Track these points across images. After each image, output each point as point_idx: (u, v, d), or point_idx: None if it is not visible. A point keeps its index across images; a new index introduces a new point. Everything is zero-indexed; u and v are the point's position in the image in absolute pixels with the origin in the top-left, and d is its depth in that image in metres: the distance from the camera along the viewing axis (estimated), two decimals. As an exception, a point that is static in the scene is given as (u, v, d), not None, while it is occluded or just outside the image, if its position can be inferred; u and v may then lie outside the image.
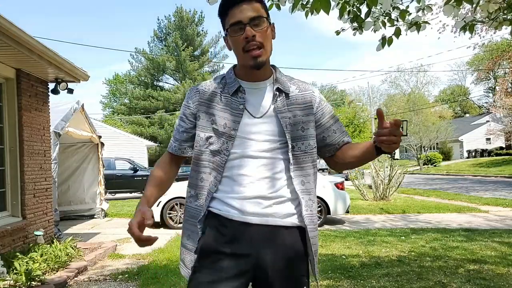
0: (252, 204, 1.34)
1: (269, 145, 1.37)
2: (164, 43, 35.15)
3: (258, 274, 1.35)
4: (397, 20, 2.99)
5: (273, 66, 1.47)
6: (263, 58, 1.35)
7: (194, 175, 1.44)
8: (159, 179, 1.46)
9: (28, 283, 3.95)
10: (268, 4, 2.98)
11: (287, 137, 1.37)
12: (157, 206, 7.93)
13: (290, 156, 1.38)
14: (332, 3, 2.68)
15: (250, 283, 1.39)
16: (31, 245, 5.05)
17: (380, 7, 2.91)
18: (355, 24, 3.02)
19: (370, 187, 12.40)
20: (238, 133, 1.37)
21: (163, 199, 7.93)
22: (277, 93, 1.41)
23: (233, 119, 1.37)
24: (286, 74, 1.51)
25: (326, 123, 1.48)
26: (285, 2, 2.95)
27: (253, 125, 1.37)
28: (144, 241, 1.28)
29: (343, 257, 5.08)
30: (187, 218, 1.45)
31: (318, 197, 8.31)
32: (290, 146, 1.38)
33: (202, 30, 34.88)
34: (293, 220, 1.38)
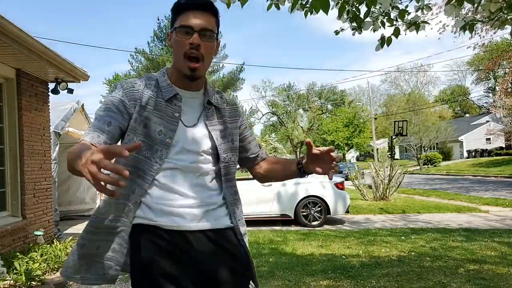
0: (187, 212, 1.32)
1: (200, 156, 1.37)
2: (164, 43, 35.16)
3: (208, 278, 1.31)
4: (396, 20, 2.99)
5: (204, 77, 1.48)
6: (200, 72, 1.35)
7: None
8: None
9: (28, 283, 3.95)
10: (267, 3, 2.99)
11: (218, 149, 1.39)
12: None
13: (221, 166, 1.40)
14: (331, 3, 2.68)
15: None
16: (31, 245, 5.05)
17: (380, 7, 2.91)
18: (354, 24, 3.02)
19: (370, 187, 12.41)
20: (173, 142, 1.33)
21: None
22: (207, 105, 1.42)
23: (169, 127, 1.33)
24: (214, 87, 1.53)
25: (248, 136, 1.56)
26: (285, 1, 2.95)
27: (186, 135, 1.36)
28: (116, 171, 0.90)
29: (343, 257, 5.08)
30: (98, 230, 1.33)
31: (318, 197, 8.32)
32: (221, 157, 1.40)
33: (202, 30, 34.89)
34: (228, 222, 1.40)
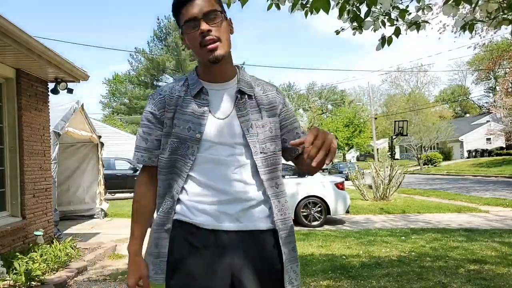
0: (223, 210, 1.29)
1: (235, 148, 1.33)
2: (164, 43, 35.19)
3: (236, 282, 1.29)
4: (397, 20, 2.99)
5: (237, 66, 1.43)
6: (221, 51, 1.30)
7: (163, 185, 1.37)
8: (147, 210, 1.41)
9: (28, 283, 3.94)
10: (267, 3, 2.98)
11: (248, 140, 1.33)
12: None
13: (257, 159, 1.33)
14: (332, 3, 2.67)
15: None
16: (30, 245, 5.05)
17: (380, 7, 2.91)
18: (355, 24, 3.01)
19: (370, 187, 12.40)
20: (203, 136, 1.32)
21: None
22: (239, 95, 1.36)
23: (198, 122, 1.32)
24: (250, 74, 1.46)
25: (287, 125, 1.44)
26: (285, 1, 2.95)
27: (217, 128, 1.33)
28: None
29: (343, 257, 5.07)
30: (155, 227, 1.38)
31: (318, 197, 8.32)
32: (256, 149, 1.33)
33: (202, 30, 34.91)
34: (267, 223, 1.34)
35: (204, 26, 1.27)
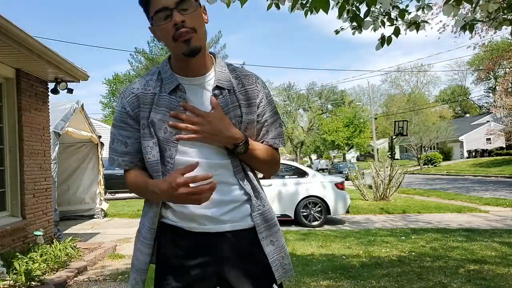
0: (207, 213, 1.26)
1: (215, 149, 1.27)
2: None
3: (223, 284, 1.30)
4: (397, 20, 2.99)
5: (213, 55, 1.33)
6: (197, 43, 1.19)
7: None
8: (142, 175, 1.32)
9: (28, 283, 3.94)
10: (267, 3, 2.98)
11: None
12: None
13: (237, 158, 1.29)
14: (332, 2, 2.68)
15: None
16: (30, 245, 5.05)
17: (380, 6, 2.91)
18: (355, 24, 3.01)
19: (370, 187, 12.41)
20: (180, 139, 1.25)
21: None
22: (217, 91, 1.27)
23: (174, 123, 1.24)
24: (228, 63, 1.36)
25: (260, 121, 1.35)
26: (285, 1, 2.95)
27: None
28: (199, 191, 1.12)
29: (343, 257, 5.07)
30: (141, 238, 1.34)
31: (318, 197, 8.32)
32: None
33: (202, 30, 34.96)
34: (249, 222, 1.31)
35: (178, 17, 1.16)
